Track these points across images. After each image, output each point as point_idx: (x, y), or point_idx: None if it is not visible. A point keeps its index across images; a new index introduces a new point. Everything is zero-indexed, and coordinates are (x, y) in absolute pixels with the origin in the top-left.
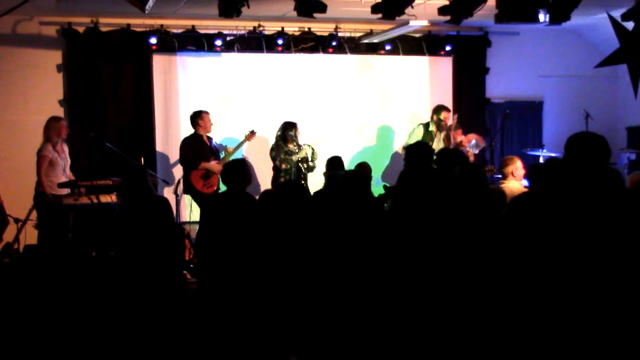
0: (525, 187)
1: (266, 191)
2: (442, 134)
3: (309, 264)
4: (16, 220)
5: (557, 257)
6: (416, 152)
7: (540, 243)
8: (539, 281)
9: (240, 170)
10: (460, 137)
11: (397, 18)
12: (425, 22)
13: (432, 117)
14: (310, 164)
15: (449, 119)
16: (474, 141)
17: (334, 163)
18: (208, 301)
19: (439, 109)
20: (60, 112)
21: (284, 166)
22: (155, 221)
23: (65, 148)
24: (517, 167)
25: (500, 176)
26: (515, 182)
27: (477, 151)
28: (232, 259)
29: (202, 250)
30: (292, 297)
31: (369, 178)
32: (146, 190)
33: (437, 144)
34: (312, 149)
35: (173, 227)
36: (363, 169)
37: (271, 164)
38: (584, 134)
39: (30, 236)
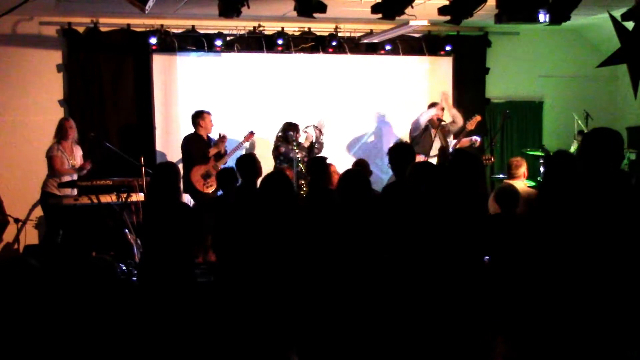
0: (529, 186)
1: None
2: (439, 130)
3: (308, 263)
4: (16, 221)
5: (579, 257)
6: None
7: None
8: (554, 281)
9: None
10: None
11: (397, 18)
12: (425, 22)
13: None
14: (317, 145)
15: (441, 115)
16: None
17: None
18: (213, 299)
19: (429, 106)
20: (60, 112)
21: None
22: (171, 225)
23: (76, 150)
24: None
25: (502, 175)
26: (521, 182)
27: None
28: (232, 259)
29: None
30: (293, 297)
31: (368, 174)
32: (172, 191)
33: (435, 140)
34: (318, 129)
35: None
36: (362, 167)
37: (272, 164)
38: (600, 130)
39: (30, 236)
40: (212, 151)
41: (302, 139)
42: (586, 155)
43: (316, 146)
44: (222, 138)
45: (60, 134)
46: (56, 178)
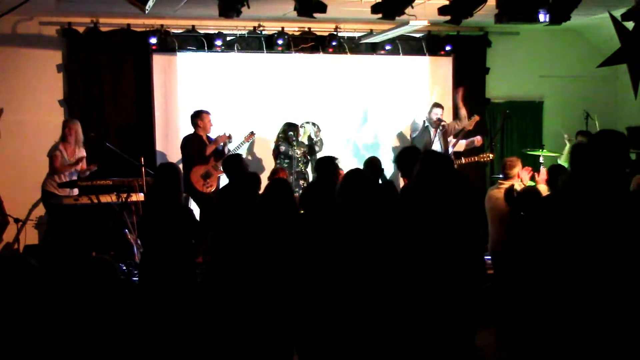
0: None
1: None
2: (439, 130)
3: (308, 263)
4: (16, 220)
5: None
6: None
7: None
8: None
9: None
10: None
11: (397, 18)
12: (425, 22)
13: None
14: (317, 142)
15: (441, 115)
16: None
17: (370, 165)
18: (214, 298)
19: (431, 107)
20: (60, 112)
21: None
22: (171, 227)
23: (79, 152)
24: (521, 167)
25: (501, 176)
26: (516, 182)
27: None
28: (232, 259)
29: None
30: (293, 297)
31: (379, 172)
32: (173, 193)
33: (434, 141)
34: (316, 125)
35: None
36: (370, 165)
37: (272, 163)
38: (606, 132)
39: (30, 236)
40: (209, 149)
41: (301, 138)
42: (590, 157)
43: (316, 142)
44: (228, 137)
45: (61, 134)
46: (56, 177)
